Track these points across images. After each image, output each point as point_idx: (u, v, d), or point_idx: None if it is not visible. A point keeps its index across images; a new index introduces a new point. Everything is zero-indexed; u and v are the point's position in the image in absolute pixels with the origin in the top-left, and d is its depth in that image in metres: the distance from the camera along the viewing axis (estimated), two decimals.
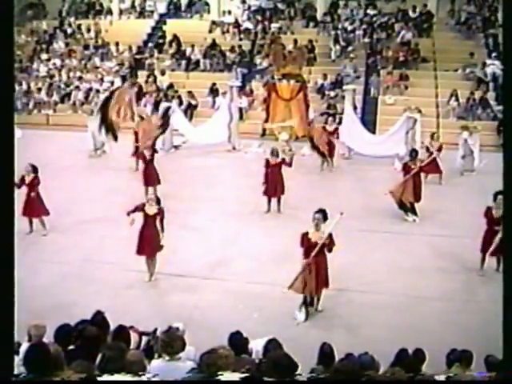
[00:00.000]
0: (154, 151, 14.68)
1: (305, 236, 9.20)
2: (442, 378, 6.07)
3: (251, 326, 8.12)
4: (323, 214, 9.22)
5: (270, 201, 13.69)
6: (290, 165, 13.65)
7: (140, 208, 10.33)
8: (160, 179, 14.32)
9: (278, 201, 13.69)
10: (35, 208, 12.36)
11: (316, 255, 9.09)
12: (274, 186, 13.54)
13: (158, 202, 10.40)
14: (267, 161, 13.67)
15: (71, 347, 5.42)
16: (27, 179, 12.17)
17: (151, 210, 10.30)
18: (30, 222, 12.39)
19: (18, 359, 4.97)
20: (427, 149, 15.76)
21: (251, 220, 13.22)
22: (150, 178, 14.32)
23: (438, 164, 15.53)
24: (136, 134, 16.62)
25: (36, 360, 4.52)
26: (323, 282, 9.35)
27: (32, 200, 12.26)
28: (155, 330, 6.84)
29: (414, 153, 13.84)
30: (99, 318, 6.35)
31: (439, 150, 15.63)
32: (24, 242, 10.77)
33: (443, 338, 8.45)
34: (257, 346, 6.55)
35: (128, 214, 10.32)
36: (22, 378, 4.54)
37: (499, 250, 10.27)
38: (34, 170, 12.37)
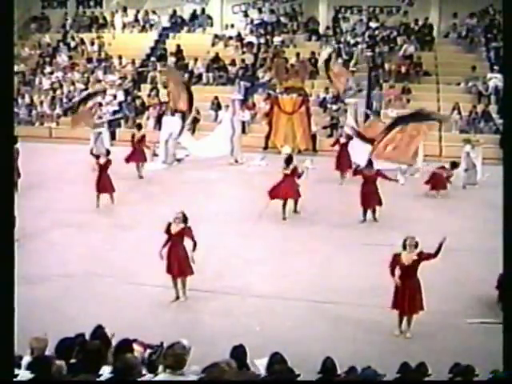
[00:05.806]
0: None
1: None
2: None
3: (253, 339, 8.07)
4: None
5: (284, 206, 13.84)
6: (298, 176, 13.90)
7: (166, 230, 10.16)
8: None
9: (295, 202, 13.98)
10: None
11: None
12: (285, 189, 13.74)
13: (185, 220, 10.18)
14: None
15: (73, 361, 5.40)
16: None
17: (176, 228, 10.14)
18: None
19: (20, 372, 4.97)
20: None
21: (253, 233, 13.18)
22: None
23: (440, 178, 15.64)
24: (133, 143, 16.90)
25: (37, 374, 4.53)
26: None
27: None
28: (161, 343, 6.79)
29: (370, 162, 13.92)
30: (101, 333, 6.33)
31: None
32: (25, 254, 10.73)
33: (445, 346, 8.51)
34: (261, 363, 6.51)
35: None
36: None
37: None
38: None
